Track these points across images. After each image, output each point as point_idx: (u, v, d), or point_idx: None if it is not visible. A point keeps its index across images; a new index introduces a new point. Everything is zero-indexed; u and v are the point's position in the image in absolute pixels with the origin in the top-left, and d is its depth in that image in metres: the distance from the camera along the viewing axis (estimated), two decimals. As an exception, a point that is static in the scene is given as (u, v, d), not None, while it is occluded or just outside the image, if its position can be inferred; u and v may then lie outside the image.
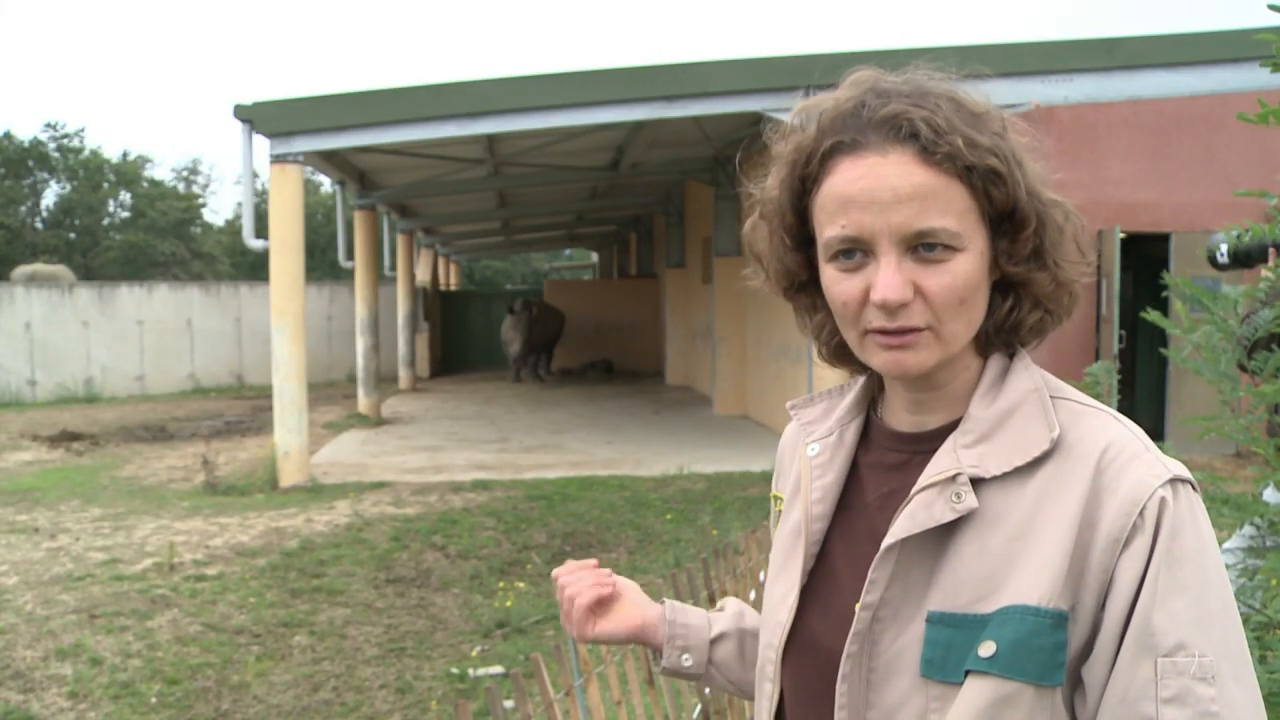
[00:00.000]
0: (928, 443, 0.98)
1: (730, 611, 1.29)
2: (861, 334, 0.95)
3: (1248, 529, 2.01)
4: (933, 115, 0.90)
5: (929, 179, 0.90)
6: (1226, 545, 2.95)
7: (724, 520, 7.70)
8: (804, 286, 1.03)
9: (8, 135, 33.85)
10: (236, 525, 7.87)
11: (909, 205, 0.89)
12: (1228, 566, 2.02)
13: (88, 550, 7.11)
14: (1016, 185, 0.92)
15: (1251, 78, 8.87)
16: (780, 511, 1.13)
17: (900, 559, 0.93)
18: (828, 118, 0.95)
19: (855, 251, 0.92)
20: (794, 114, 0.99)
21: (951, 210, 0.90)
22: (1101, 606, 0.87)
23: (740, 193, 1.07)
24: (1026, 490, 0.91)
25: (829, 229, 0.93)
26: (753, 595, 3.43)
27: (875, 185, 0.90)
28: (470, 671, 4.96)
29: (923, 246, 0.90)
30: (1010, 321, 0.98)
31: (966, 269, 0.91)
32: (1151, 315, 2.19)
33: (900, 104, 0.91)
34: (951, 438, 0.95)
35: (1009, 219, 0.94)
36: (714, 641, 1.25)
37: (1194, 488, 0.90)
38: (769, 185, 1.01)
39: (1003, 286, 0.97)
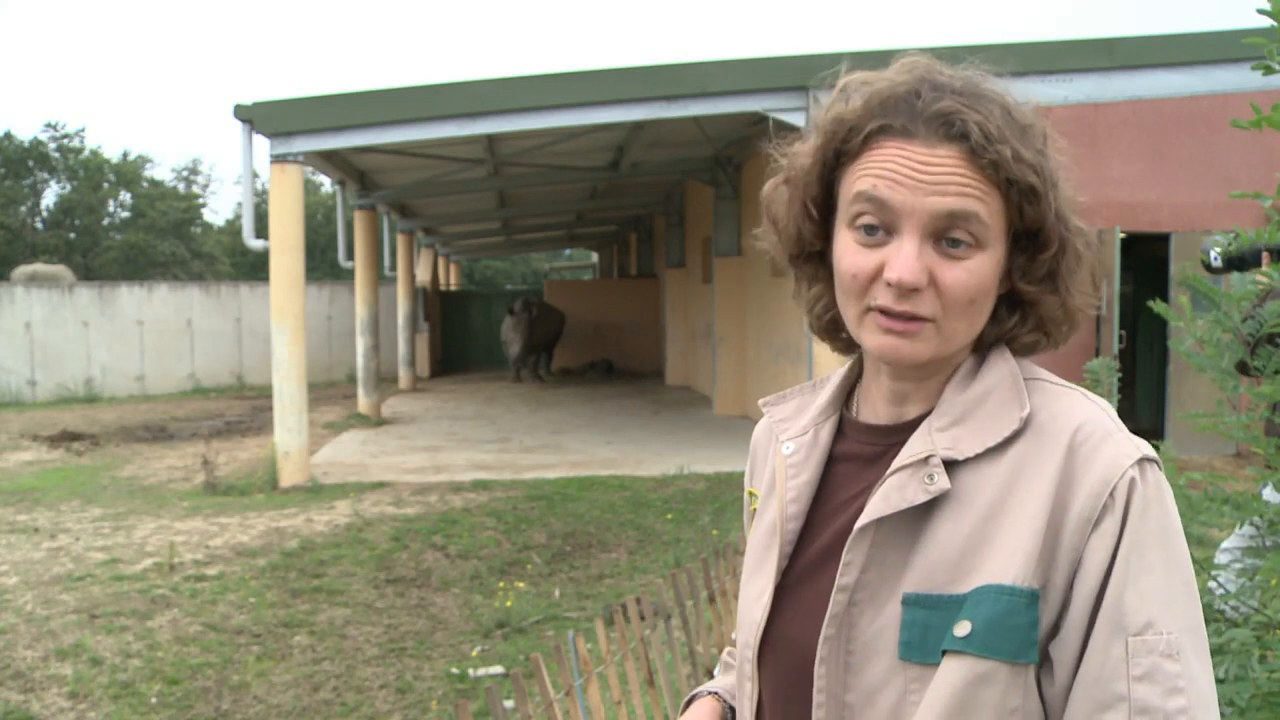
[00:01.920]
0: (904, 433, 0.99)
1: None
2: (863, 311, 0.95)
3: (1247, 529, 2.00)
4: (986, 121, 0.91)
5: (971, 178, 0.91)
6: (1225, 545, 2.95)
7: (724, 520, 7.70)
8: (810, 257, 1.04)
9: (8, 135, 33.83)
10: (236, 525, 7.87)
11: (945, 194, 0.90)
12: (1226, 566, 2.02)
13: (88, 550, 7.11)
14: (1048, 207, 0.94)
15: (1251, 78, 8.83)
16: (755, 510, 1.13)
17: (875, 540, 0.94)
18: (878, 99, 0.95)
19: (878, 229, 0.93)
20: (839, 87, 0.99)
21: (984, 209, 0.92)
22: (1071, 585, 0.88)
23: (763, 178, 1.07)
24: (999, 469, 0.92)
25: (858, 203, 0.94)
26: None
27: (917, 170, 0.91)
28: (470, 671, 4.96)
29: (946, 241, 0.91)
30: (1008, 336, 1.00)
31: (984, 270, 0.92)
32: (1158, 306, 2.22)
33: (955, 101, 0.92)
34: (926, 421, 0.96)
35: (1032, 238, 0.95)
36: None
37: (1159, 466, 0.91)
38: (800, 152, 1.01)
39: (1010, 302, 0.98)
